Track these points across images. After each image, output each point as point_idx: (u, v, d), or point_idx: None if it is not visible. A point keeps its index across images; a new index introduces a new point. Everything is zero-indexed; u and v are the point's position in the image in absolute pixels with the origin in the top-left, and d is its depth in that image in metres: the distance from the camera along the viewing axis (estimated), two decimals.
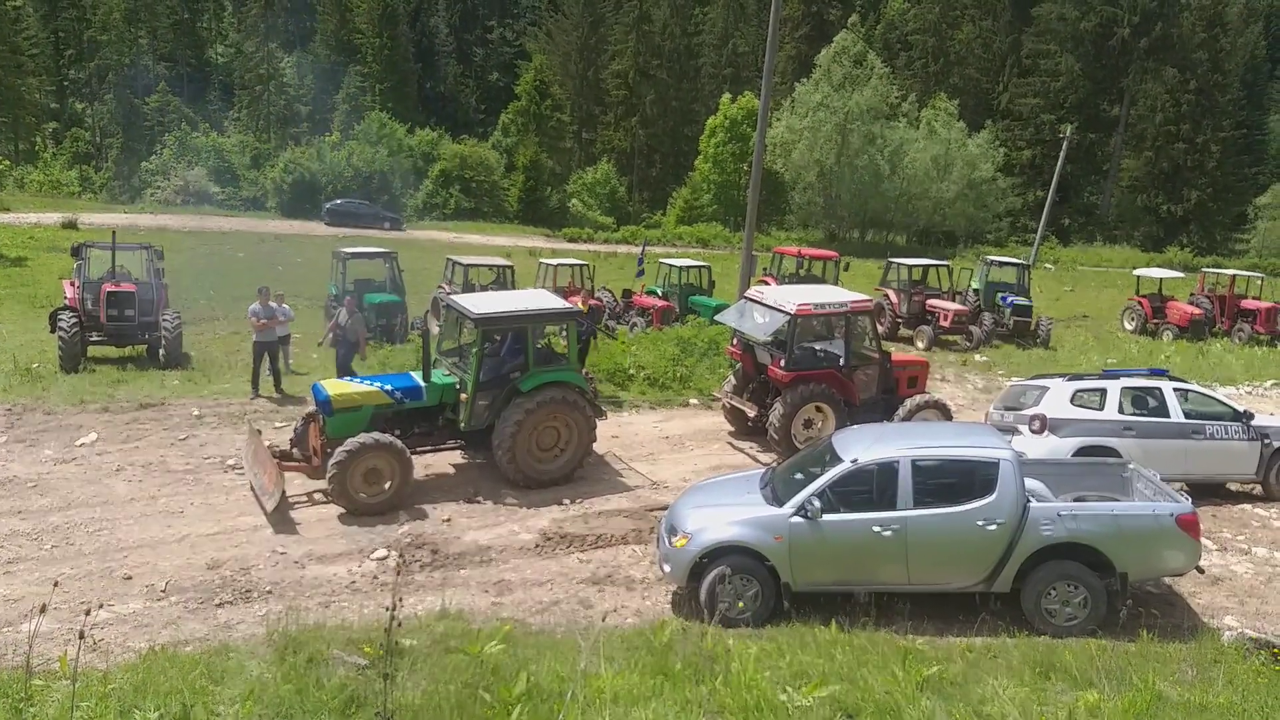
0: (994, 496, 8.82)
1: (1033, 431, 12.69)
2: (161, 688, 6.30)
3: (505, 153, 64.06)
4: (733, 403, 15.03)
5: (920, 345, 24.73)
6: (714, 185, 62.63)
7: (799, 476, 9.50)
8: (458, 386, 12.26)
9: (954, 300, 26.12)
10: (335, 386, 12.09)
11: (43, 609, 6.07)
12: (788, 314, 13.62)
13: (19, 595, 8.83)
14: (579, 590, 9.67)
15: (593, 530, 11.20)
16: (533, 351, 12.28)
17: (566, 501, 12.02)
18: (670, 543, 9.09)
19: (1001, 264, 28.89)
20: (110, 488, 11.59)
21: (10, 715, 5.51)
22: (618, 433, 15.12)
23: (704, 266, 26.10)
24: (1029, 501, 8.94)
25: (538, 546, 10.72)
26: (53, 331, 17.39)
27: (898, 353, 17.06)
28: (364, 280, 22.33)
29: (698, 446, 14.71)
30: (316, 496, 11.64)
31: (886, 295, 26.32)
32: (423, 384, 12.18)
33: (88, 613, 5.79)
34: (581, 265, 24.61)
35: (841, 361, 14.16)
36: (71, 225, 40.25)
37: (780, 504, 9.05)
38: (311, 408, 12.60)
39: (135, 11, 72.75)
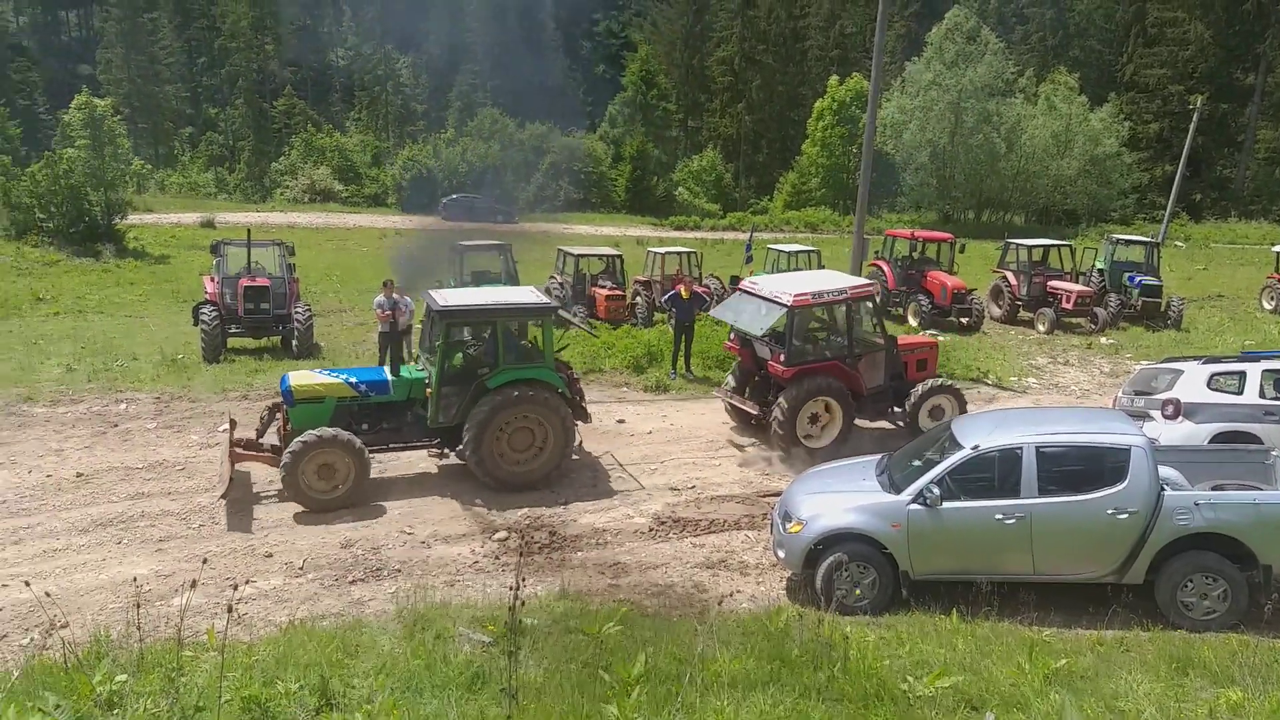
0: (1125, 484, 8.47)
1: (1166, 417, 12.10)
2: (301, 660, 6.65)
3: (612, 143, 64.57)
4: (733, 402, 14.31)
5: (1041, 329, 23.84)
6: (822, 169, 61.60)
7: (916, 463, 9.34)
8: (427, 382, 11.93)
9: (1077, 281, 25.06)
10: (298, 377, 11.92)
11: (193, 584, 6.49)
12: (784, 306, 12.89)
13: (169, 571, 9.45)
14: (693, 574, 9.74)
15: (705, 515, 11.27)
16: (502, 347, 11.75)
17: (678, 486, 12.11)
18: (784, 529, 9.07)
19: (1128, 243, 27.48)
20: (251, 471, 12.26)
21: (164, 684, 5.89)
22: (727, 418, 15.12)
23: (813, 251, 25.69)
24: (1163, 490, 8.55)
25: (651, 530, 10.86)
26: (195, 324, 18.43)
27: (903, 335, 16.29)
28: (480, 272, 22.86)
29: None
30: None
31: (1005, 277, 25.42)
32: (390, 378, 11.98)
33: (235, 588, 6.14)
34: (689, 253, 24.58)
35: (844, 352, 13.47)
36: (209, 224, 42.55)
37: (897, 491, 8.92)
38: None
39: (261, 19, 76.24)
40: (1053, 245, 26.61)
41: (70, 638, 6.83)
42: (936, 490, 8.68)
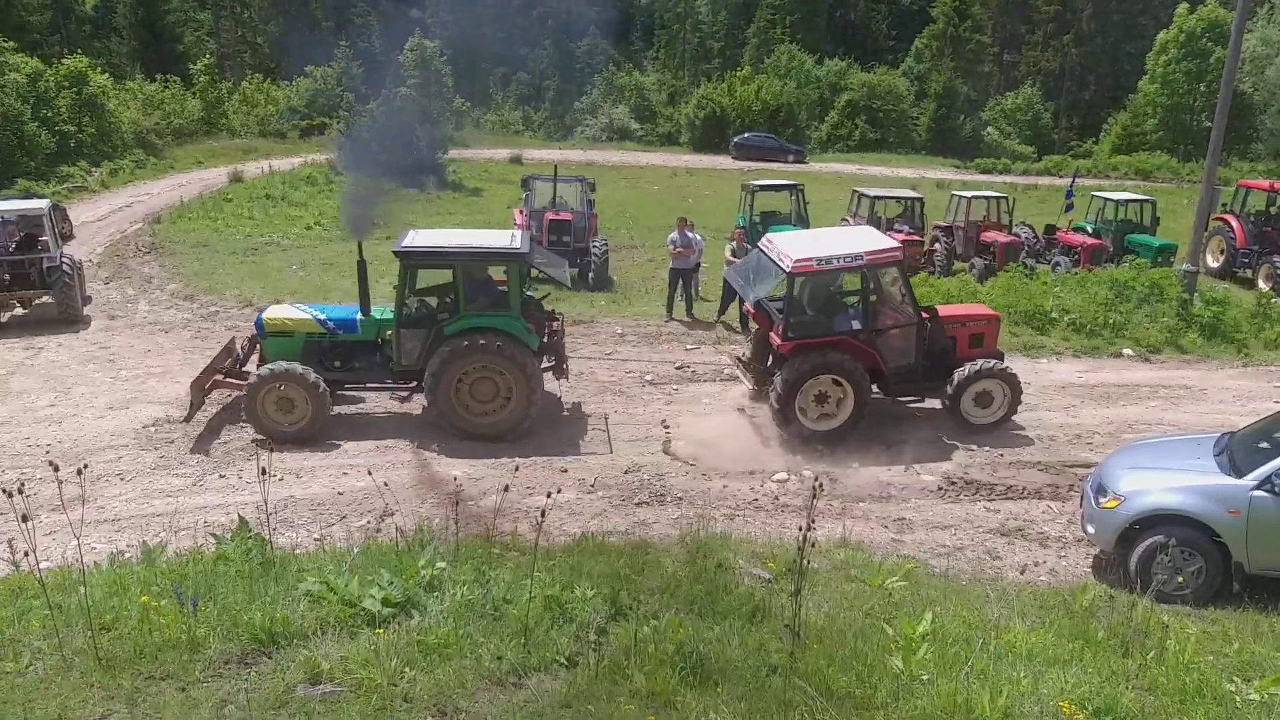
0: None
1: None
2: (593, 570, 7.01)
3: (916, 80, 61.37)
4: (736, 371, 12.91)
5: None
6: (1160, 109, 54.86)
7: (1265, 445, 8.23)
8: None
9: None
10: (271, 311, 12.08)
11: (505, 489, 7.04)
12: (783, 270, 11.18)
13: (480, 475, 10.35)
14: (985, 540, 9.22)
15: (1002, 480, 10.60)
16: (463, 293, 11.19)
17: (974, 447, 11.45)
18: (1098, 503, 8.31)
19: None
20: (549, 392, 13.04)
21: (476, 575, 6.46)
22: (1031, 379, 14.04)
23: (1148, 200, 23.05)
24: None
25: (940, 490, 10.39)
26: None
27: (956, 305, 13.85)
28: (769, 212, 22.69)
29: (1129, 403, 13.22)
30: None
31: None
32: (358, 317, 11.83)
33: (549, 495, 6.58)
34: (1000, 198, 22.89)
35: (857, 325, 11.54)
36: (517, 160, 45.50)
37: (1240, 474, 7.90)
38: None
39: None
40: None
41: (399, 524, 7.66)
42: None
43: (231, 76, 58.15)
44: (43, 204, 17.06)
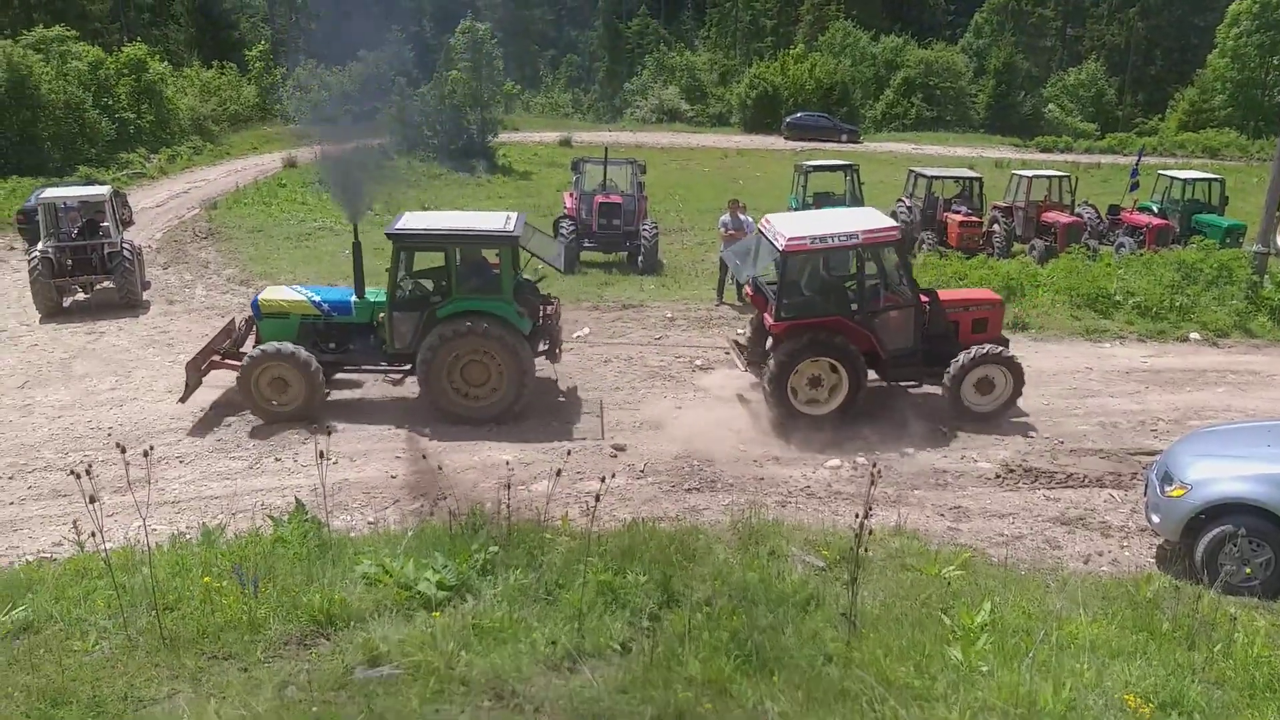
0: None
1: None
2: (644, 555, 6.99)
3: (975, 56, 60.07)
4: (733, 354, 12.67)
5: None
6: (1230, 84, 53.02)
7: None
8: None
9: None
10: (267, 292, 12.10)
11: (558, 473, 7.04)
12: (777, 249, 10.95)
13: (530, 459, 10.36)
14: (1045, 529, 9.01)
15: (1062, 468, 10.35)
16: (455, 276, 11.12)
17: (1033, 433, 11.21)
18: (1163, 491, 8.06)
19: None
20: (601, 377, 13.07)
21: (528, 559, 6.48)
22: (1093, 364, 13.73)
23: (1216, 180, 22.30)
24: None
25: (998, 477, 10.16)
26: (554, 238, 19.79)
27: (959, 289, 13.37)
28: (823, 193, 22.38)
29: (1196, 389, 12.83)
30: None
31: None
32: (353, 300, 11.79)
33: (603, 480, 6.53)
34: (1062, 177, 22.34)
35: (853, 306, 11.25)
36: (566, 143, 45.47)
37: None
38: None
39: None
40: None
41: (451, 508, 7.71)
42: None
43: (286, 62, 58.89)
44: (104, 190, 17.47)
